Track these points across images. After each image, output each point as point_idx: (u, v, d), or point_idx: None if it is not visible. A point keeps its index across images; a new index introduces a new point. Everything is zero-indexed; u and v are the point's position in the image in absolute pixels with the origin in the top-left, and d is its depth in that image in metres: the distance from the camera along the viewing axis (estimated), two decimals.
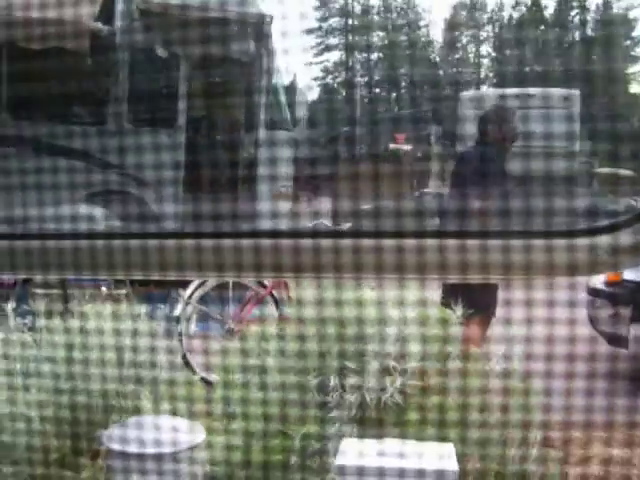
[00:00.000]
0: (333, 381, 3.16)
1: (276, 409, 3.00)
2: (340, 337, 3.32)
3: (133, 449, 2.30)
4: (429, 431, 2.96)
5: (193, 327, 4.58)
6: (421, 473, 2.45)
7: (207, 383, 3.78)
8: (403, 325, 3.24)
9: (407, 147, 7.76)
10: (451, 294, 3.63)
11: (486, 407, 3.01)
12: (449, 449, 2.65)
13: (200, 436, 2.45)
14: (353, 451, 2.65)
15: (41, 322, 3.57)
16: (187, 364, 4.20)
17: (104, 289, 4.70)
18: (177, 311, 4.47)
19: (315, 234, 0.98)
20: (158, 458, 2.29)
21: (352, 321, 3.33)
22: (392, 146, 7.84)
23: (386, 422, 3.11)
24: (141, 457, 2.28)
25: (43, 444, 3.05)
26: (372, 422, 3.14)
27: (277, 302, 4.59)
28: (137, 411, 3.00)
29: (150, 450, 2.30)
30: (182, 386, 3.38)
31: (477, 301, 3.58)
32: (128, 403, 3.08)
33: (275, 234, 1.00)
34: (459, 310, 3.49)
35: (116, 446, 2.38)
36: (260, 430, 2.87)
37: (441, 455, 2.57)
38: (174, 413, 2.91)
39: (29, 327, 3.81)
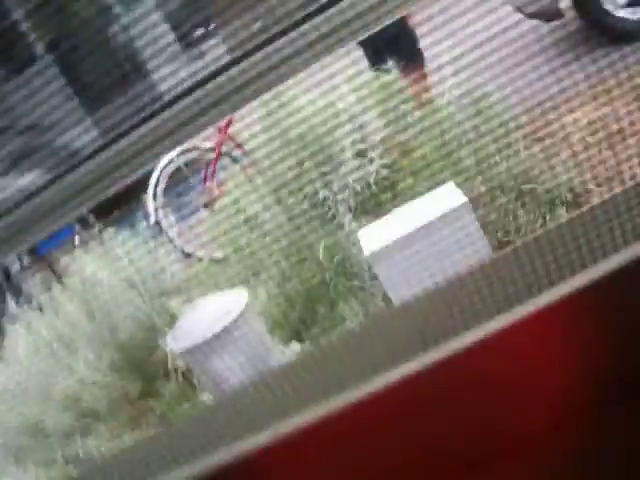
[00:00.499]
0: (321, 191, 3.24)
1: (292, 242, 3.10)
2: (304, 144, 3.33)
3: (199, 338, 2.42)
4: (428, 184, 3.06)
5: (173, 221, 4.60)
6: (438, 223, 2.54)
7: (217, 261, 3.86)
8: (353, 105, 3.25)
9: None
10: (375, 55, 3.60)
11: (463, 135, 3.09)
12: (449, 187, 2.75)
13: (244, 297, 2.56)
14: (372, 236, 2.76)
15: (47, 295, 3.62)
16: (189, 255, 4.27)
17: (76, 238, 4.67)
18: (152, 217, 4.47)
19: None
20: (222, 335, 2.41)
21: (307, 124, 3.32)
22: None
23: (386, 197, 3.22)
24: (209, 342, 2.40)
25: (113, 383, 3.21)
26: (373, 204, 3.24)
27: (233, 158, 4.58)
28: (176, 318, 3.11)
29: (213, 331, 2.42)
30: (201, 274, 3.47)
31: (402, 51, 3.57)
32: (166, 316, 3.19)
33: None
34: (392, 68, 3.48)
35: (184, 344, 2.49)
36: (287, 268, 2.99)
37: (446, 197, 2.67)
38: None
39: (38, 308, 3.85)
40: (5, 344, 3.67)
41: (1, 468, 3.31)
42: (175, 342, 2.60)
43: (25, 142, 5.75)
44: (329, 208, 3.20)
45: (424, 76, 3.87)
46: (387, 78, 3.52)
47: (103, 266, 3.56)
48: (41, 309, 3.79)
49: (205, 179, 4.63)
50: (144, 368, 3.44)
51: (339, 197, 3.20)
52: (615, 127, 2.49)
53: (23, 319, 3.77)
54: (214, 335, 2.38)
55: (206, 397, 2.81)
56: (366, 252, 2.61)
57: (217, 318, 2.43)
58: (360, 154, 3.22)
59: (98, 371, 3.46)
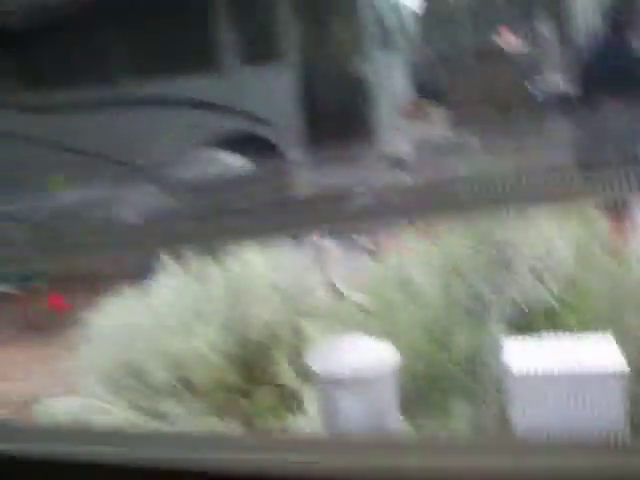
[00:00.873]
0: (486, 291, 3.27)
1: (437, 324, 3.15)
2: (483, 245, 3.39)
3: (345, 371, 2.48)
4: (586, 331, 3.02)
5: (337, 252, 4.74)
6: (591, 379, 2.46)
7: (361, 308, 3.95)
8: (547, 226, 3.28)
9: (515, 41, 7.45)
10: None
11: None
12: (609, 340, 2.66)
13: (395, 356, 2.62)
14: (518, 354, 2.75)
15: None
16: (336, 289, 4.39)
17: None
18: (321, 238, 4.65)
19: None
20: (370, 380, 2.47)
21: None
22: (499, 40, 7.56)
23: (542, 326, 3.20)
24: (352, 379, 2.46)
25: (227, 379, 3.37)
26: (526, 323, 3.23)
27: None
28: (308, 342, 3.24)
29: (364, 372, 2.47)
30: (343, 313, 3.58)
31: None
32: (297, 335, 3.33)
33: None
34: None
35: (327, 369, 2.56)
36: (428, 345, 3.04)
37: (605, 352, 2.61)
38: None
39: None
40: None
41: (99, 396, 3.56)
42: (317, 363, 2.65)
43: (247, 130, 6.20)
44: (485, 309, 3.24)
45: (631, 226, 3.81)
46: (590, 214, 3.52)
47: (263, 263, 3.77)
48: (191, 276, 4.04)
49: (382, 236, 4.75)
50: (254, 369, 3.60)
51: (499, 303, 3.23)
52: None
53: (172, 279, 4.01)
54: (363, 375, 2.44)
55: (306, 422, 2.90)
56: (509, 368, 2.63)
57: (370, 362, 2.48)
58: (536, 274, 3.23)
59: (212, 350, 3.65)
